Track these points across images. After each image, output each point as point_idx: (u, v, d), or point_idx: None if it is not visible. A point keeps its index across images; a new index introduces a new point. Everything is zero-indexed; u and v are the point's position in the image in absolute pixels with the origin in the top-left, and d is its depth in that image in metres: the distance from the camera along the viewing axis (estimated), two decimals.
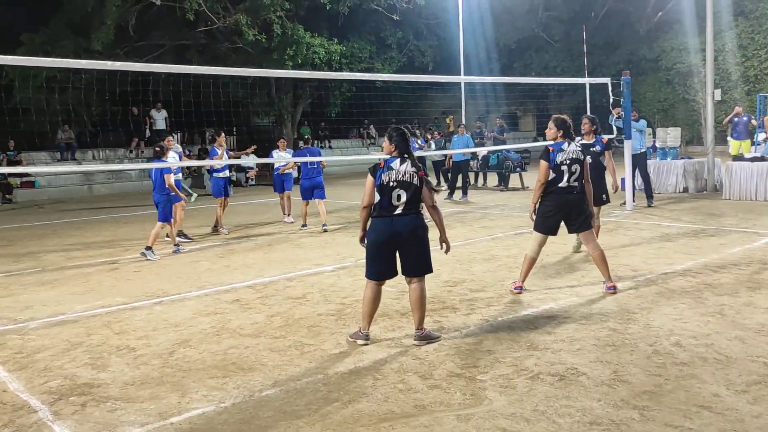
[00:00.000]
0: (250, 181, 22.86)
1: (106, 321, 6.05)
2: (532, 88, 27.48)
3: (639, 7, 27.30)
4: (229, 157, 12.01)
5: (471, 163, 16.57)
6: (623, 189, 12.40)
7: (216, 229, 11.51)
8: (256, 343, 5.21)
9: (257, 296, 6.77)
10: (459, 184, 15.40)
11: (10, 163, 19.10)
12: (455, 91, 27.32)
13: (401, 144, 4.97)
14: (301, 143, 11.82)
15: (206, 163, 14.26)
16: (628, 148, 12.04)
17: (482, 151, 17.24)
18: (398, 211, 4.87)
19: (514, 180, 17.34)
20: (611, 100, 11.88)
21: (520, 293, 6.31)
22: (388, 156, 5.00)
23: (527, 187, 16.41)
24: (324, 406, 3.96)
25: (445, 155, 17.40)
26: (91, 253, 9.85)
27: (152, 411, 3.99)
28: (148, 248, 9.16)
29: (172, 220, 9.85)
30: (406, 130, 5.06)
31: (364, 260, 5.07)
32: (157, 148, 9.96)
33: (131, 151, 23.02)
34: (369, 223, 5.01)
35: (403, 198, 4.86)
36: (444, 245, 5.22)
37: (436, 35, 26.26)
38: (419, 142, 19.41)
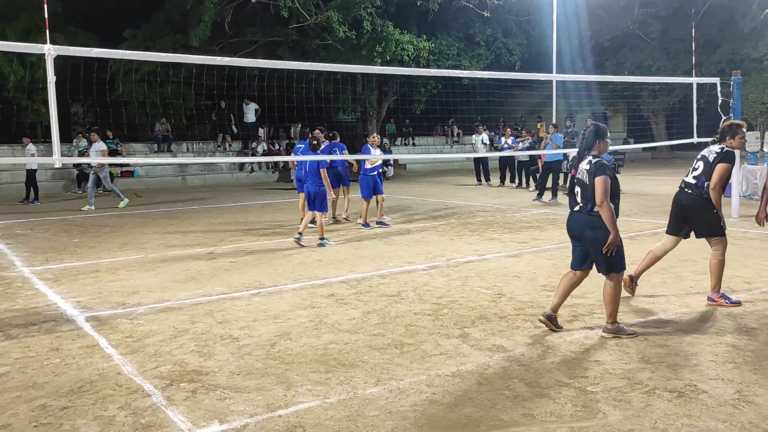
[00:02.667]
0: None
1: (208, 309, 6.21)
2: (624, 88, 26.51)
3: (743, 4, 25.79)
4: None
5: (562, 163, 16.12)
6: (728, 195, 11.75)
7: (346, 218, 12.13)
8: (355, 340, 5.21)
9: (352, 292, 6.80)
10: (549, 185, 15.02)
11: (111, 153, 20.05)
12: (543, 89, 26.70)
13: (586, 142, 5.12)
14: (321, 138, 10.74)
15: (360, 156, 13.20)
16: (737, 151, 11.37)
17: (573, 151, 16.73)
18: (576, 207, 5.12)
19: None
20: (720, 102, 11.24)
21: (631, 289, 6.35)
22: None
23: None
24: (430, 408, 3.90)
25: (531, 156, 17.05)
26: (188, 242, 10.19)
27: (260, 402, 4.04)
28: (322, 239, 9.58)
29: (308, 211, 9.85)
30: (601, 130, 5.13)
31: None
32: (314, 141, 9.79)
33: (219, 145, 23.74)
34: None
35: (579, 194, 5.07)
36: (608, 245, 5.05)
37: (525, 33, 25.73)
38: (509, 141, 19.06)
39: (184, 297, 6.72)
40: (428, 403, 3.98)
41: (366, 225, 11.24)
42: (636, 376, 4.29)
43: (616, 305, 5.07)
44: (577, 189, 5.07)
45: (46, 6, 6.35)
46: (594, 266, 5.15)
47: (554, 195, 14.93)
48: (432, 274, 7.59)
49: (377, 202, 11.59)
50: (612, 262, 4.96)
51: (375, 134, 12.04)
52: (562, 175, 16.18)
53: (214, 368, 4.64)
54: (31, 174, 16.60)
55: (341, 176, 12.01)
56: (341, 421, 3.75)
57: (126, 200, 15.38)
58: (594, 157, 5.02)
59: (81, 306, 6.41)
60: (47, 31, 6.04)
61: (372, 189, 11.34)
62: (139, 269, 8.18)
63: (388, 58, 21.10)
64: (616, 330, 5.06)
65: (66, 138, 20.95)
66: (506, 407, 3.88)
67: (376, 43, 21.22)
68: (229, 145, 23.72)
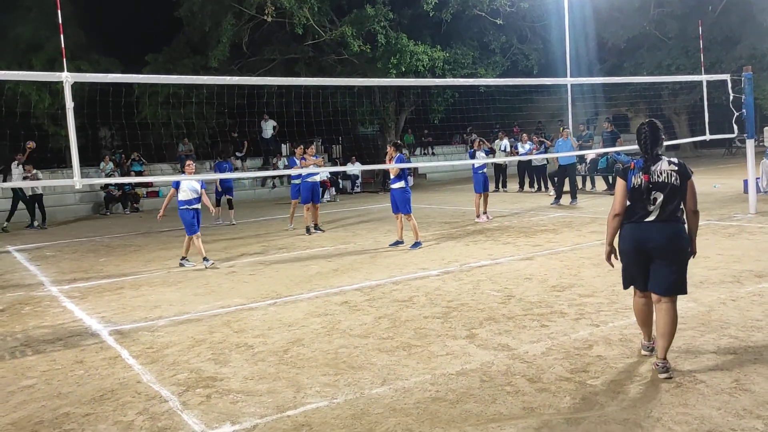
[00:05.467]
0: (356, 188, 23.41)
1: (226, 320, 6.43)
2: (644, 88, 26.34)
3: None
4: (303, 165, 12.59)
5: (578, 166, 16.15)
6: (746, 192, 11.71)
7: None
8: (365, 343, 5.37)
9: (365, 299, 6.96)
10: (566, 188, 15.05)
11: (138, 175, 20.57)
12: (560, 93, 26.68)
13: (643, 143, 4.35)
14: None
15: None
16: (751, 147, 11.33)
17: (590, 154, 16.75)
18: (652, 218, 4.28)
19: None
20: (731, 98, 11.22)
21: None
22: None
23: None
24: (432, 405, 4.04)
25: (547, 160, 17.11)
26: (210, 257, 10.42)
27: (270, 404, 4.22)
28: (398, 242, 10.27)
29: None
30: (655, 125, 4.38)
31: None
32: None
33: (238, 158, 24.10)
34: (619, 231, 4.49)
35: (659, 201, 4.25)
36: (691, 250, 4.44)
37: (540, 38, 25.75)
38: (525, 145, 19.12)
39: (204, 309, 6.95)
40: (431, 400, 4.11)
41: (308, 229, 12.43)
42: (636, 369, 4.37)
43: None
44: (656, 195, 4.24)
45: (62, 37, 6.65)
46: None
47: (573, 198, 14.95)
48: (444, 279, 7.72)
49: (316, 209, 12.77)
50: (684, 279, 4.33)
51: (301, 146, 13.00)
52: (579, 178, 16.21)
53: (228, 374, 4.83)
54: (31, 198, 16.64)
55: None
56: (346, 420, 3.91)
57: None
58: (664, 157, 4.33)
59: (105, 321, 6.68)
60: (64, 60, 6.35)
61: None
62: (162, 285, 8.45)
63: (404, 69, 21.33)
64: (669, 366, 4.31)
65: (94, 161, 21.58)
66: (506, 402, 4.00)
67: (391, 55, 21.46)
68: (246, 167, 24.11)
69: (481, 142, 13.68)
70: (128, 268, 9.90)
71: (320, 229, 12.61)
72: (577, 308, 5.99)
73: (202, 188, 9.78)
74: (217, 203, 15.60)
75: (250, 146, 24.43)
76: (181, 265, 9.69)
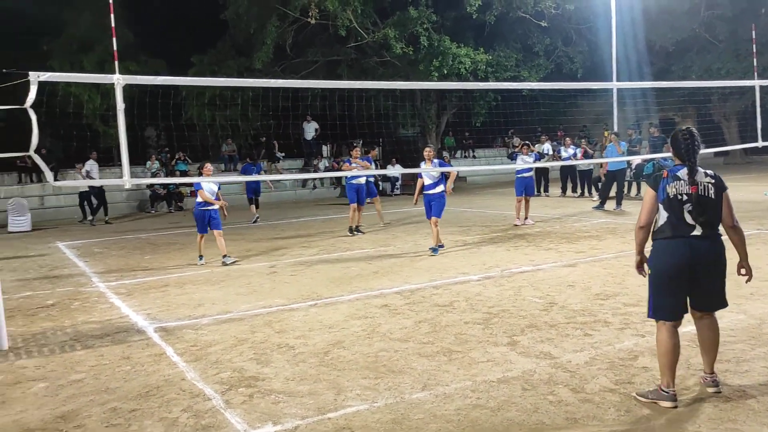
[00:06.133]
0: (396, 190, 23.43)
1: (267, 320, 6.50)
2: (692, 92, 25.72)
3: None
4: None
5: (626, 172, 15.87)
6: None
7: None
8: (405, 348, 5.37)
9: (405, 302, 6.96)
10: (612, 193, 14.80)
11: (183, 175, 20.98)
12: (606, 97, 26.22)
13: (685, 151, 4.05)
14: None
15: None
16: None
17: (636, 159, 16.43)
18: (696, 232, 3.97)
19: None
20: None
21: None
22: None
23: None
24: (473, 412, 4.02)
25: (594, 165, 16.84)
26: (251, 257, 10.59)
27: (311, 405, 4.25)
28: (440, 246, 10.01)
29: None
30: (695, 132, 4.07)
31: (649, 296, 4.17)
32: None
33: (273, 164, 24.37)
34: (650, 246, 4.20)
35: (704, 215, 3.95)
36: (745, 272, 4.19)
37: (586, 40, 25.38)
38: (568, 149, 18.86)
39: (246, 309, 7.04)
40: (472, 407, 4.09)
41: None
42: (684, 383, 4.27)
43: None
44: (701, 208, 3.97)
45: (114, 39, 6.82)
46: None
47: (619, 204, 14.70)
48: (485, 284, 7.66)
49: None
50: (724, 293, 4.14)
51: (357, 147, 13.03)
52: (626, 184, 15.92)
53: (270, 374, 4.89)
54: (84, 194, 17.45)
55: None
56: (387, 424, 3.92)
57: None
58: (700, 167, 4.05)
59: (151, 318, 6.82)
60: (116, 62, 6.51)
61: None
62: (205, 283, 8.59)
63: (446, 72, 21.27)
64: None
65: (140, 161, 22.08)
66: (549, 412, 3.95)
67: (433, 57, 21.43)
68: (277, 170, 24.32)
69: (527, 147, 13.55)
70: (173, 266, 10.10)
71: (360, 231, 12.65)
72: (621, 317, 5.88)
73: (218, 189, 10.19)
74: (255, 204, 16.22)
75: (294, 148, 24.68)
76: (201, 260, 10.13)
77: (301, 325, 6.24)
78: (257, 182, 16.38)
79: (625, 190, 16.78)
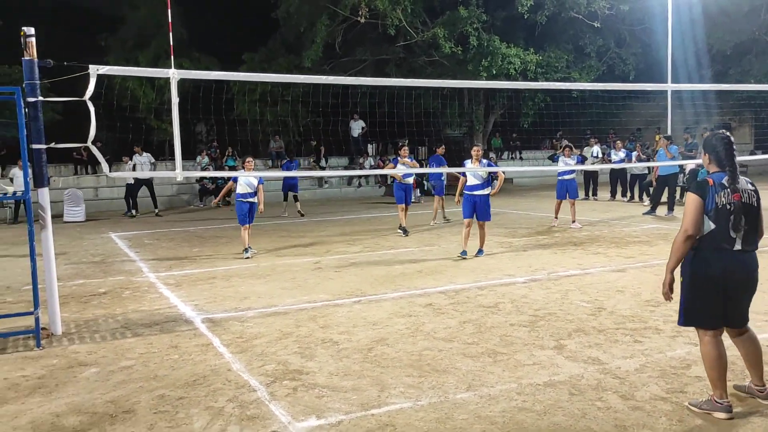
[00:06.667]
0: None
1: (312, 315, 6.54)
2: (751, 96, 24.90)
3: None
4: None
5: (678, 176, 15.45)
6: None
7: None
8: (450, 347, 5.32)
9: (449, 302, 6.91)
10: (663, 198, 14.44)
11: (232, 170, 21.29)
12: (659, 100, 25.58)
13: (726, 155, 3.86)
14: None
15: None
16: None
17: (690, 164, 15.97)
18: (738, 245, 3.78)
19: None
20: None
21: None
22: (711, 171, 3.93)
23: None
24: (519, 414, 3.95)
25: (649, 169, 16.45)
26: (297, 252, 10.68)
27: (355, 401, 4.25)
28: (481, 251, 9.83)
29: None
30: (731, 138, 3.91)
31: (684, 306, 3.98)
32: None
33: (321, 162, 24.54)
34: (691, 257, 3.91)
35: (746, 225, 3.77)
36: None
37: (639, 42, 24.80)
38: (618, 152, 18.47)
39: (291, 303, 7.10)
40: (517, 410, 4.03)
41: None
42: (738, 393, 4.12)
43: None
44: (744, 217, 3.76)
45: (171, 34, 6.95)
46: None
47: (670, 209, 14.33)
48: (531, 286, 7.56)
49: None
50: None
51: (405, 147, 12.84)
52: (678, 189, 15.50)
53: (314, 369, 4.91)
54: (129, 187, 17.95)
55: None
56: (431, 423, 3.89)
57: None
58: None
59: (198, 309, 6.94)
60: (172, 57, 6.64)
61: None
62: (251, 277, 8.70)
63: (495, 72, 21.08)
64: None
65: (191, 155, 22.52)
66: (597, 418, 3.87)
67: (482, 57, 21.26)
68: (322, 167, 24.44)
69: (569, 149, 13.35)
70: (219, 259, 10.26)
71: (405, 231, 12.57)
72: (673, 325, 5.70)
73: (259, 183, 10.42)
74: (294, 199, 17.09)
75: (342, 146, 24.79)
76: (246, 252, 10.31)
77: (345, 321, 6.26)
78: (294, 178, 17.21)
79: (677, 195, 16.35)
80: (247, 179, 10.30)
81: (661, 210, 14.39)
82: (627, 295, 6.96)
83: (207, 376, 4.81)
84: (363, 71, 23.09)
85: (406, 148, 12.85)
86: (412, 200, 13.47)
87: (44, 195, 6.07)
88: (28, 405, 4.37)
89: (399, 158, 12.69)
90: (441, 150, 14.43)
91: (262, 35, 24.82)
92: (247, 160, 10.75)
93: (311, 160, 24.17)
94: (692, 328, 5.45)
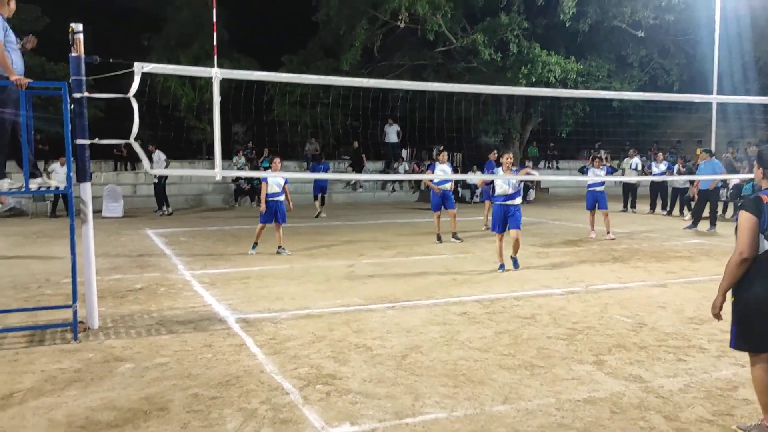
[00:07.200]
0: (475, 197, 23.13)
1: (345, 319, 6.49)
2: None
3: None
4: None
5: (720, 191, 15.07)
6: None
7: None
8: (485, 358, 5.22)
9: (485, 311, 6.79)
10: (705, 213, 14.07)
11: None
12: (702, 112, 25.02)
13: None
14: None
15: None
16: None
17: (733, 179, 15.57)
18: None
19: None
20: None
21: None
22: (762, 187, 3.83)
23: None
24: (558, 430, 3.84)
25: (691, 182, 16.07)
26: (330, 255, 10.66)
27: (389, 409, 4.18)
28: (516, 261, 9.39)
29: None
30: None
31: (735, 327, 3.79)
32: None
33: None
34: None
35: None
36: None
37: (684, 53, 24.30)
38: (659, 165, 18.08)
39: (324, 306, 7.07)
40: (556, 425, 3.91)
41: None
42: None
43: None
44: None
45: (215, 34, 7.00)
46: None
47: (712, 224, 13.96)
48: (569, 298, 7.40)
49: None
50: None
51: (444, 152, 12.68)
52: (720, 204, 15.12)
53: (347, 374, 4.85)
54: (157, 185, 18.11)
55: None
56: None
57: None
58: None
59: (232, 308, 6.95)
60: (215, 57, 6.68)
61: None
62: (285, 278, 8.70)
63: (534, 79, 20.84)
64: None
65: (227, 156, 22.76)
66: None
67: (522, 64, 21.04)
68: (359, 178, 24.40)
69: (598, 160, 13.17)
70: (254, 259, 10.29)
71: (458, 238, 12.21)
72: (718, 344, 5.52)
73: (285, 184, 10.82)
74: (314, 198, 17.89)
75: (380, 149, 24.78)
76: (252, 249, 10.82)
77: (379, 327, 6.19)
78: (324, 180, 17.84)
79: (720, 210, 15.94)
80: (275, 179, 10.61)
81: (703, 225, 14.02)
82: (669, 311, 6.76)
83: (240, 377, 4.79)
84: (400, 76, 23.02)
85: (445, 153, 12.69)
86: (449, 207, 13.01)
87: (86, 190, 6.14)
88: (64, 398, 4.40)
89: (438, 163, 12.55)
90: (493, 155, 14.33)
91: (301, 38, 24.97)
92: (275, 160, 11.06)
93: (347, 164, 24.20)
94: None
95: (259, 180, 20.81)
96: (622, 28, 21.90)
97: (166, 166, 17.73)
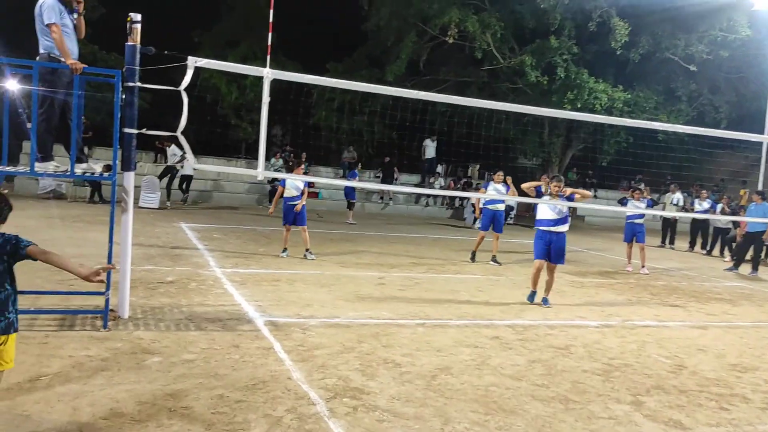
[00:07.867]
0: (509, 219, 22.86)
1: (374, 332, 6.37)
2: None
3: None
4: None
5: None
6: None
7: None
8: (518, 386, 5.05)
9: (517, 337, 6.62)
10: (748, 256, 13.66)
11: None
12: (750, 152, 24.44)
13: None
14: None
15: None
16: None
17: None
18: None
19: None
20: None
21: None
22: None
23: None
24: None
25: (734, 223, 15.64)
26: (361, 265, 10.57)
27: (416, 430, 4.04)
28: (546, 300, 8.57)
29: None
30: None
31: None
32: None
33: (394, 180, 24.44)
34: None
35: None
36: None
37: (735, 90, 23.82)
38: (703, 203, 17.64)
39: (353, 316, 6.96)
40: None
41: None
42: None
43: None
44: None
45: (270, 35, 6.99)
46: None
47: (755, 269, 13.53)
48: (605, 332, 7.17)
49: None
50: None
51: (500, 172, 12.08)
52: (765, 248, 14.67)
53: (375, 389, 4.73)
54: (183, 177, 18.53)
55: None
56: None
57: None
58: None
59: (261, 310, 6.88)
60: (268, 56, 6.65)
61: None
62: (315, 284, 8.62)
63: (579, 105, 20.58)
64: None
65: (266, 156, 22.90)
66: None
67: (568, 89, 20.83)
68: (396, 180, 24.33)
69: (639, 192, 12.94)
70: (285, 262, 10.25)
71: (497, 261, 11.98)
72: (763, 395, 5.27)
73: (305, 187, 10.98)
74: (349, 207, 18.56)
75: (416, 162, 24.71)
76: (283, 253, 10.83)
77: (409, 343, 6.06)
78: (352, 188, 18.35)
79: (763, 254, 15.46)
80: (293, 183, 10.81)
81: (744, 268, 13.61)
82: (710, 355, 6.50)
83: (267, 382, 4.69)
84: (444, 91, 22.91)
85: (501, 173, 12.04)
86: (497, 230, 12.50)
87: (129, 179, 6.15)
88: (90, 387, 4.35)
89: (492, 183, 12.01)
90: (498, 176, 13.30)
91: (346, 47, 25.07)
92: (299, 167, 11.59)
93: (377, 174, 24.13)
94: None
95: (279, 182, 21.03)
96: (673, 61, 21.58)
97: (180, 161, 17.95)
